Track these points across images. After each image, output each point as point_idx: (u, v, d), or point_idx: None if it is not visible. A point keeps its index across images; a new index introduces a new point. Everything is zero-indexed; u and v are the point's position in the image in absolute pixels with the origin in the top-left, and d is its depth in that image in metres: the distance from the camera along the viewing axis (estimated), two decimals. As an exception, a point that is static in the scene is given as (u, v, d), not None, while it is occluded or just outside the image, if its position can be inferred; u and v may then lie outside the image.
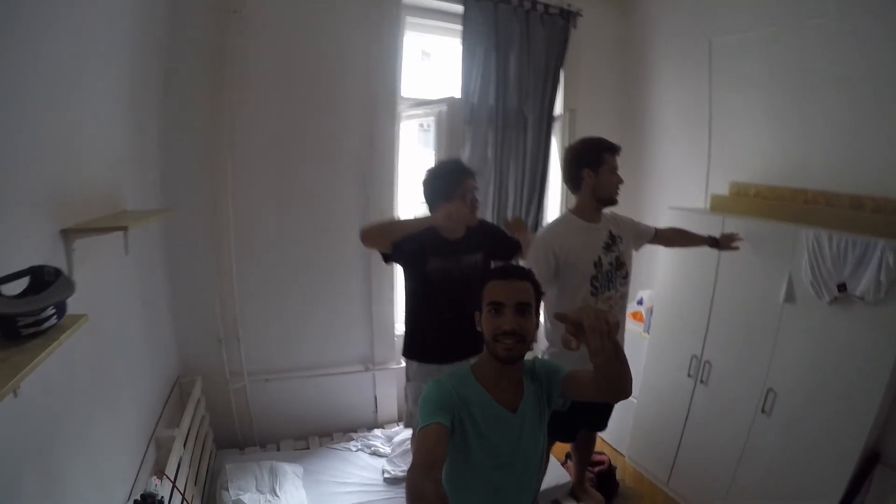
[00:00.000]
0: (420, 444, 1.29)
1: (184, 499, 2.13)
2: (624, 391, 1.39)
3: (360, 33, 3.11)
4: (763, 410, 2.70)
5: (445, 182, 2.40)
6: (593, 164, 2.45)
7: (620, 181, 2.49)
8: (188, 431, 2.46)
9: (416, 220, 2.42)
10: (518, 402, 1.50)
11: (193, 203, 2.87)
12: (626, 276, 2.58)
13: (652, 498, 3.23)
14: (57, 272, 1.21)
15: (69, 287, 1.23)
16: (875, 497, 2.31)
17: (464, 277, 2.45)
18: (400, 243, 2.37)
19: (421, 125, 3.96)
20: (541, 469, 1.61)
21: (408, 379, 2.63)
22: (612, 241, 2.52)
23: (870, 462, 2.40)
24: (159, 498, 1.84)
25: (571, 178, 2.52)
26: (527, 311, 1.46)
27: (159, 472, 2.04)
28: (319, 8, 3.01)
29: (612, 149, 2.47)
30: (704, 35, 3.31)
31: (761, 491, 2.71)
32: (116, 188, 1.96)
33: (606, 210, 2.58)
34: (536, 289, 1.52)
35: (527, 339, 1.45)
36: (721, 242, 2.75)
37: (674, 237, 2.84)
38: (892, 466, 2.40)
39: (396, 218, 2.42)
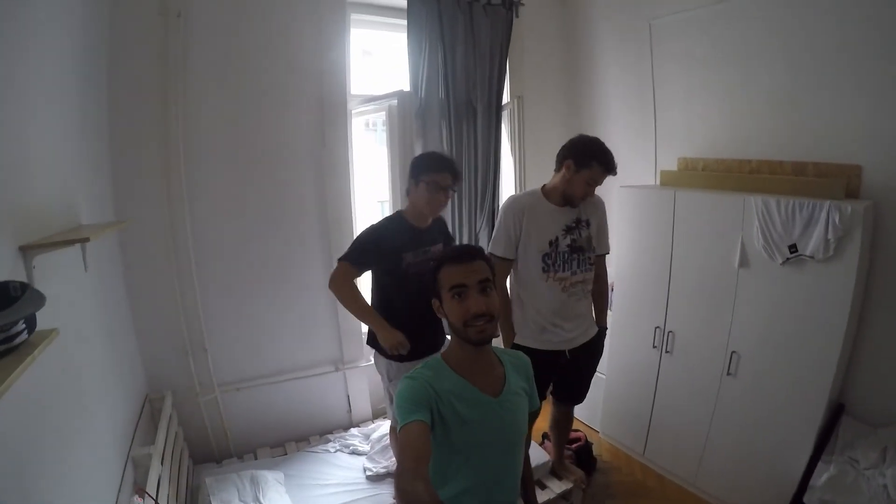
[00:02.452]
0: (404, 445, 1.28)
1: (167, 516, 2.09)
2: None
3: (306, 32, 3.08)
4: (729, 373, 2.83)
5: (426, 164, 2.44)
6: (579, 163, 2.49)
7: (587, 194, 2.53)
8: (164, 448, 2.40)
9: (371, 319, 2.44)
10: (500, 390, 1.49)
11: (149, 213, 2.78)
12: (588, 262, 2.64)
13: (629, 469, 3.33)
14: (24, 286, 1.17)
15: (39, 299, 1.19)
16: (843, 446, 2.44)
17: (431, 269, 2.49)
18: (372, 249, 2.39)
19: (367, 124, 3.95)
20: (524, 448, 1.62)
21: (389, 380, 2.63)
22: (576, 225, 2.58)
23: (835, 414, 2.54)
24: (142, 519, 1.81)
25: (558, 158, 2.58)
26: (489, 287, 1.45)
27: (140, 490, 1.99)
28: (264, 8, 2.96)
29: (604, 164, 2.48)
30: (644, 17, 3.42)
31: (735, 450, 2.85)
32: (70, 202, 1.89)
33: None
34: (489, 263, 1.51)
35: (496, 318, 1.44)
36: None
37: (596, 285, 2.79)
38: (855, 416, 2.57)
39: (359, 300, 2.44)
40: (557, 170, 2.58)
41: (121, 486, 2.00)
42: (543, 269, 2.55)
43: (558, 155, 2.58)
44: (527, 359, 1.67)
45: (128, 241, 2.73)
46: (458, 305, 1.44)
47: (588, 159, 2.47)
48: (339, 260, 2.42)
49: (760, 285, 2.68)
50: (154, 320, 2.87)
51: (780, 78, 2.84)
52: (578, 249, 2.59)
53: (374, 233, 2.44)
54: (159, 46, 2.70)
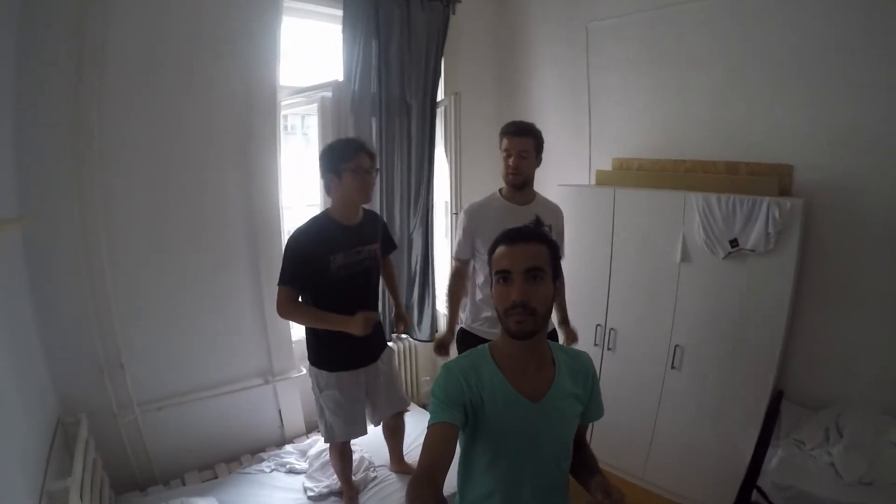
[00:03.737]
0: (425, 446, 1.23)
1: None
2: None
3: (235, 16, 2.83)
4: (673, 366, 2.89)
5: (339, 153, 2.27)
6: (501, 142, 2.52)
7: (516, 168, 2.49)
8: (82, 480, 2.09)
9: (327, 320, 2.29)
10: (543, 393, 1.36)
11: (58, 210, 2.44)
12: None
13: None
14: None
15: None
16: (788, 429, 2.55)
17: (365, 271, 2.40)
18: (299, 262, 2.24)
19: (285, 127, 3.72)
20: (568, 458, 1.47)
21: (319, 390, 2.46)
22: (535, 226, 2.53)
23: (776, 400, 2.66)
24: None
25: None
26: (539, 277, 1.30)
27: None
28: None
29: (508, 130, 2.51)
30: (581, 20, 3.47)
31: (682, 442, 2.91)
32: None
33: (546, 199, 2.67)
34: (553, 250, 1.37)
35: (538, 311, 1.29)
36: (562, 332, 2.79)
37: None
38: (794, 401, 2.72)
39: (308, 312, 2.31)
40: None
41: (35, 530, 1.72)
42: None
43: None
44: (588, 360, 1.51)
45: (33, 243, 2.37)
46: (501, 291, 1.32)
47: (501, 135, 2.53)
48: (278, 285, 2.27)
49: (702, 279, 2.76)
50: (64, 334, 2.51)
51: (712, 81, 2.96)
52: None
53: (298, 242, 2.26)
54: (75, 25, 2.37)
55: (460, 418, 1.27)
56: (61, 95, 2.39)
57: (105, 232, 2.57)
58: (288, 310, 2.28)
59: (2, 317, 1.92)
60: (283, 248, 2.31)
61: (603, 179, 3.38)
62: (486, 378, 1.34)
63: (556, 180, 3.27)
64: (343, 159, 2.25)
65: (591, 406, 1.47)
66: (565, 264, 2.89)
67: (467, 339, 2.62)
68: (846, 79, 2.49)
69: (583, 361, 1.48)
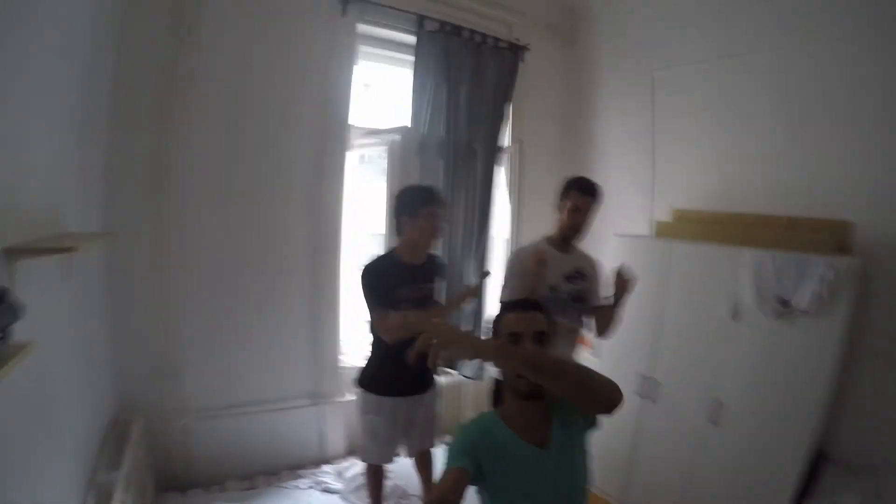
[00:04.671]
0: (437, 486, 1.37)
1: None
2: (604, 402, 1.35)
3: (313, 60, 3.10)
4: (712, 421, 2.77)
5: (417, 198, 2.42)
6: (562, 195, 2.59)
7: (576, 223, 2.55)
8: (128, 476, 2.28)
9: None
10: (547, 438, 1.47)
11: (137, 228, 2.71)
12: (584, 312, 2.66)
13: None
14: (4, 292, 1.11)
15: (19, 308, 1.13)
16: (825, 492, 2.43)
17: (422, 307, 2.48)
18: (377, 286, 2.37)
19: (361, 157, 3.92)
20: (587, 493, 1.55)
21: (363, 412, 2.56)
22: (576, 275, 2.61)
23: (816, 461, 2.51)
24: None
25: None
26: (544, 340, 1.47)
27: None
28: (274, 32, 2.98)
29: (580, 188, 2.55)
30: (647, 70, 3.47)
31: (715, 499, 2.77)
32: (58, 209, 1.83)
33: (581, 250, 2.70)
34: (549, 318, 1.54)
35: None
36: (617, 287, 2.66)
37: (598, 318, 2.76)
38: (837, 463, 2.54)
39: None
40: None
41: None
42: None
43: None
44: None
45: (112, 256, 2.64)
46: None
47: (567, 189, 2.58)
48: (372, 315, 2.38)
49: (751, 337, 2.67)
50: (131, 339, 2.77)
51: (776, 132, 2.88)
52: (580, 300, 2.62)
53: (371, 277, 2.39)
54: (165, 61, 2.70)
55: (474, 468, 1.36)
56: (148, 124, 2.70)
57: (178, 250, 2.84)
58: (390, 331, 2.33)
59: (80, 319, 2.15)
60: (361, 281, 2.40)
61: (663, 231, 3.31)
62: (499, 436, 1.46)
63: (612, 229, 3.25)
64: (425, 203, 2.40)
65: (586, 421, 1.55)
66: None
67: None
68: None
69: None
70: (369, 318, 2.40)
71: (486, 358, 1.35)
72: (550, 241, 2.64)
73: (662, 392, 3.04)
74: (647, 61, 3.50)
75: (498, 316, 1.58)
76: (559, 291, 2.56)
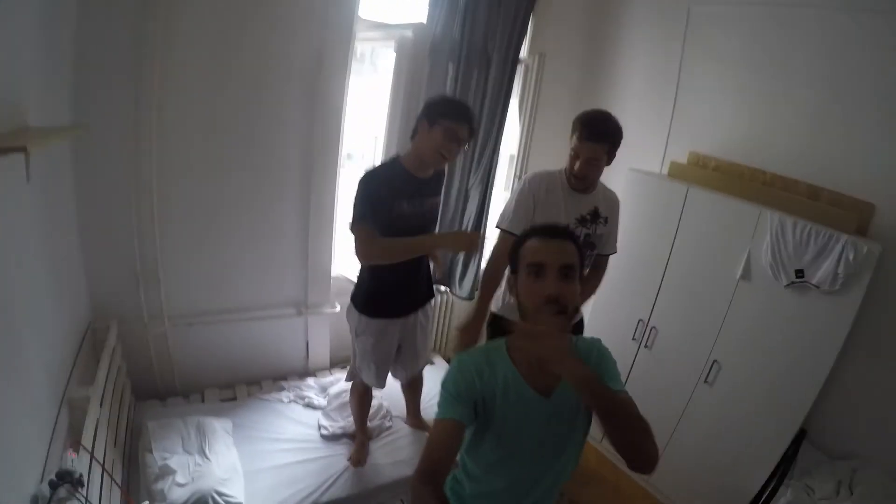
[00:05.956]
0: (430, 441, 1.27)
1: (104, 471, 1.85)
2: (635, 461, 1.18)
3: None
4: (706, 381, 2.79)
5: (445, 108, 2.15)
6: (570, 134, 2.31)
7: (578, 171, 2.29)
8: (104, 386, 2.13)
9: (418, 244, 2.24)
10: (554, 387, 1.33)
11: (111, 120, 2.37)
12: (591, 259, 2.51)
13: (585, 455, 3.26)
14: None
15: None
16: (801, 472, 2.48)
17: (422, 224, 2.30)
18: (375, 199, 2.13)
19: (362, 55, 3.56)
20: (577, 460, 1.46)
21: (356, 334, 2.43)
22: (591, 218, 2.42)
23: (797, 439, 2.57)
24: (77, 475, 1.56)
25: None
26: (571, 275, 1.29)
27: (75, 442, 1.73)
28: None
29: (588, 132, 2.25)
30: (684, 2, 3.17)
31: (696, 457, 2.87)
32: (15, 98, 1.54)
33: (606, 188, 2.51)
34: (580, 251, 1.36)
35: (569, 310, 1.27)
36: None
37: (592, 271, 2.62)
38: (815, 444, 2.61)
39: (395, 245, 2.18)
40: None
41: (53, 433, 1.75)
42: None
43: None
44: (599, 343, 1.47)
45: (83, 149, 2.32)
46: (533, 285, 1.30)
47: (574, 128, 2.29)
48: (355, 226, 2.15)
49: (758, 301, 2.62)
50: (105, 241, 2.53)
51: (813, 96, 2.68)
52: (589, 245, 2.44)
53: (370, 184, 2.15)
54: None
55: (469, 415, 1.27)
56: (125, 7, 2.29)
57: (156, 145, 2.51)
58: (370, 246, 2.16)
59: (45, 222, 1.92)
60: (357, 186, 2.17)
61: (676, 172, 3.18)
62: (501, 373, 1.34)
63: (627, 162, 3.05)
64: (448, 115, 2.13)
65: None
66: (622, 254, 2.77)
67: (502, 326, 2.48)
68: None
69: (594, 346, 1.46)
70: (354, 232, 2.16)
71: (569, 378, 1.17)
72: (566, 175, 2.39)
73: (659, 341, 3.03)
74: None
75: (519, 240, 1.40)
76: None
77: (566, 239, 1.34)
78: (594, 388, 1.15)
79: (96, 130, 2.23)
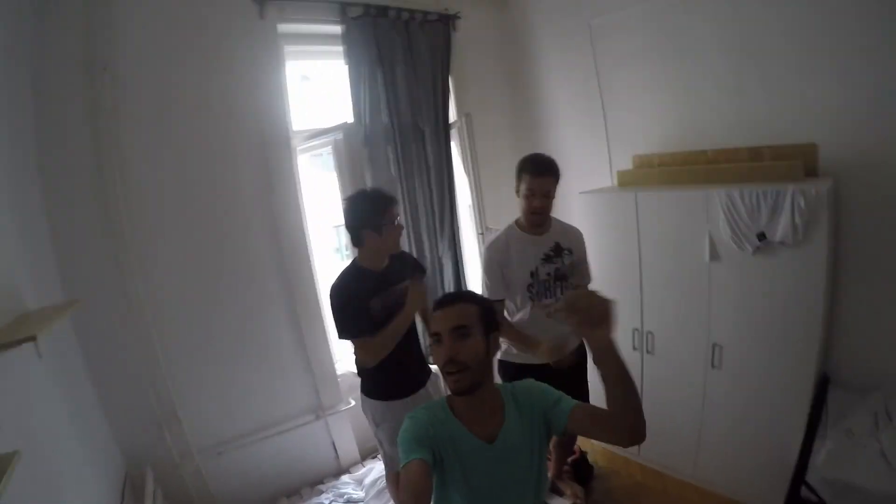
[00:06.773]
0: (404, 483, 1.29)
1: None
2: (635, 427, 1.32)
3: (240, 71, 2.94)
4: (713, 365, 2.81)
5: (371, 210, 2.29)
6: (517, 178, 2.51)
7: (537, 207, 2.48)
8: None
9: (400, 321, 2.35)
10: (496, 434, 1.44)
11: (100, 286, 2.59)
12: (567, 288, 2.63)
13: (628, 471, 3.31)
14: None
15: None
16: (836, 418, 2.45)
17: (400, 305, 2.41)
18: (356, 306, 2.28)
19: (311, 154, 3.81)
20: (538, 495, 1.54)
21: (376, 425, 2.53)
22: (555, 252, 2.58)
23: (822, 387, 2.57)
24: None
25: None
26: (463, 333, 1.41)
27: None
28: (194, 52, 2.80)
29: (531, 170, 2.46)
30: (583, 18, 3.39)
31: (729, 440, 2.85)
32: (11, 288, 1.72)
33: (562, 223, 2.68)
34: (481, 306, 1.49)
35: (470, 366, 1.39)
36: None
37: None
38: (841, 386, 2.61)
39: (386, 335, 2.31)
40: None
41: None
42: (530, 297, 2.57)
43: None
44: (530, 381, 1.60)
45: (82, 319, 2.51)
46: (436, 352, 1.44)
47: (519, 171, 2.51)
48: (352, 339, 2.32)
49: (733, 276, 2.68)
50: (122, 397, 2.69)
51: (724, 66, 2.85)
52: (562, 277, 2.60)
53: (341, 296, 2.30)
54: (88, 104, 2.52)
55: (430, 457, 1.32)
56: (85, 176, 2.55)
57: (147, 299, 2.71)
58: (369, 351, 2.30)
59: (64, 393, 2.07)
60: (330, 303, 2.32)
61: (624, 180, 3.30)
62: (446, 428, 1.43)
63: (578, 187, 3.22)
64: (379, 215, 2.28)
65: (558, 405, 1.48)
66: (598, 272, 2.90)
67: (508, 371, 2.67)
68: (865, 48, 2.35)
69: (525, 386, 1.57)
70: (352, 347, 2.35)
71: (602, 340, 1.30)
72: (519, 224, 2.60)
73: (658, 343, 3.08)
74: (582, 11, 3.42)
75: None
76: (538, 275, 2.55)
77: (458, 302, 1.46)
78: (616, 354, 1.29)
79: (89, 300, 2.41)
